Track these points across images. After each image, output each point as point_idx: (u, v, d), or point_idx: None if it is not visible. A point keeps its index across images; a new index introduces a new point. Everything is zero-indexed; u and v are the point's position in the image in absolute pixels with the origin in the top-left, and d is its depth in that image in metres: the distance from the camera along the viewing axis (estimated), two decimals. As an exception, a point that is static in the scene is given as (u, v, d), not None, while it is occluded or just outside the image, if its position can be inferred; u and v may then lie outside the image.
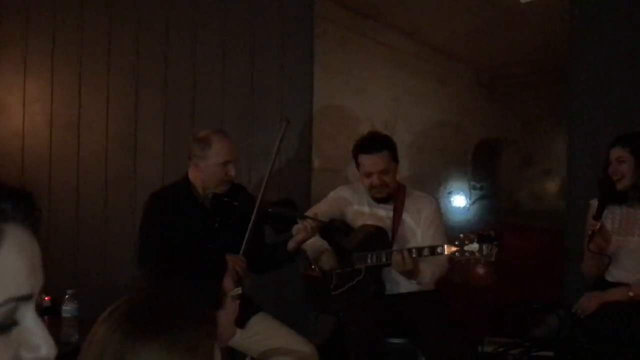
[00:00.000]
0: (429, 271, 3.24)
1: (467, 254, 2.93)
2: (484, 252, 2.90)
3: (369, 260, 3.24)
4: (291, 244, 3.16)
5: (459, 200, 4.05)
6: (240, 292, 2.18)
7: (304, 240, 3.17)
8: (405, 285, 3.34)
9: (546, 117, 3.98)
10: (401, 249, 3.14)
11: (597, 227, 3.09)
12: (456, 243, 2.97)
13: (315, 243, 3.38)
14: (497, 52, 4.00)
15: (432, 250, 3.08)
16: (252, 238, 3.04)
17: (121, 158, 4.29)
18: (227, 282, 2.10)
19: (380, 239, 3.28)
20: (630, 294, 3.09)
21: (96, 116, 4.32)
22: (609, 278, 3.20)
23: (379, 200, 3.37)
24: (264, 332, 3.12)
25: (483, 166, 4.05)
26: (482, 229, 2.99)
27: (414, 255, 3.09)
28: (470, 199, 4.05)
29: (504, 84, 4.00)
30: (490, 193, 4.03)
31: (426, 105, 4.05)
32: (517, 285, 3.91)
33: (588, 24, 3.94)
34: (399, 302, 3.30)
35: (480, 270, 3.96)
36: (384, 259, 3.20)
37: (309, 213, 3.33)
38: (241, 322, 3.02)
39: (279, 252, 3.21)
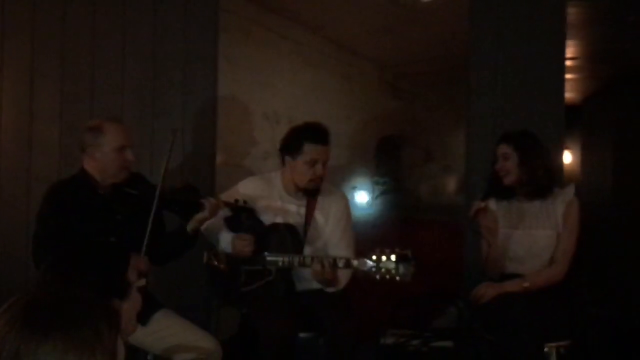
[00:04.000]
0: (344, 278, 3.27)
1: (383, 270, 2.93)
2: (400, 271, 2.91)
3: (280, 264, 3.20)
4: (191, 224, 3.11)
5: (363, 195, 4.11)
6: (144, 283, 2.14)
7: (204, 219, 3.11)
8: (315, 283, 3.32)
9: (446, 114, 4.09)
10: (320, 258, 3.11)
11: (482, 205, 3.22)
12: (373, 258, 2.96)
13: (221, 234, 3.34)
14: (400, 50, 4.08)
15: (347, 263, 3.06)
16: (155, 227, 2.97)
17: (16, 151, 4.10)
18: (131, 273, 2.09)
19: (292, 238, 3.27)
20: (525, 284, 3.20)
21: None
22: (504, 270, 3.31)
23: (310, 193, 3.34)
24: (166, 328, 3.06)
25: (386, 162, 4.12)
26: (397, 247, 2.96)
27: (327, 266, 3.08)
28: (373, 193, 4.11)
29: (406, 81, 4.09)
30: (393, 188, 4.10)
31: (331, 100, 4.09)
32: (419, 278, 3.99)
33: (487, 23, 4.06)
34: (306, 298, 3.31)
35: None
36: (296, 264, 3.17)
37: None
38: (143, 318, 2.95)
39: (178, 237, 3.15)
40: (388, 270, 2.92)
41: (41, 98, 4.11)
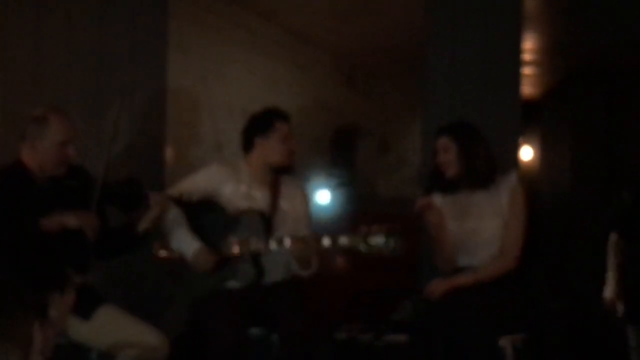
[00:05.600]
0: (314, 262, 3.23)
1: (373, 245, 2.85)
2: (391, 245, 2.83)
3: (252, 246, 3.12)
4: (142, 224, 3.01)
5: (318, 188, 4.06)
6: (80, 280, 2.10)
7: (156, 217, 3.03)
8: (273, 275, 3.26)
9: (403, 105, 4.05)
10: (303, 236, 3.06)
11: (426, 201, 3.17)
12: (361, 235, 2.88)
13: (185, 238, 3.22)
14: (356, 40, 4.05)
15: (334, 240, 2.97)
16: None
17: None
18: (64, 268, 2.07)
19: (262, 223, 3.20)
20: (476, 276, 3.17)
21: None
22: (460, 264, 3.25)
23: (283, 171, 3.33)
24: (109, 323, 2.96)
25: (341, 154, 4.09)
26: (386, 221, 2.90)
27: (312, 244, 3.01)
28: (329, 186, 4.06)
29: (362, 71, 4.05)
30: (348, 181, 4.07)
31: (285, 91, 4.04)
32: (374, 273, 3.95)
33: (443, 13, 4.00)
34: (261, 294, 3.23)
35: (338, 258, 3.97)
36: (274, 246, 3.08)
37: (172, 191, 3.22)
38: (85, 313, 2.88)
39: (127, 234, 3.05)
40: (377, 246, 2.84)
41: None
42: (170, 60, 3.98)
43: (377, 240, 2.84)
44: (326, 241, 2.98)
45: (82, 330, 2.87)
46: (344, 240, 2.94)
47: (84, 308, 2.87)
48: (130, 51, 3.96)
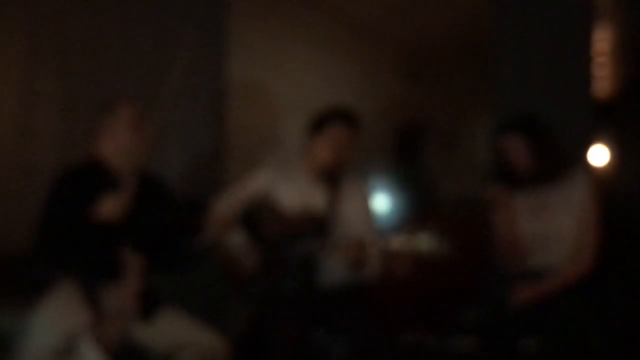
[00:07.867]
0: (375, 262, 3.11)
1: (418, 246, 2.79)
2: (437, 244, 2.78)
3: (300, 250, 3.07)
4: (201, 243, 3.02)
5: (380, 189, 3.96)
6: (141, 261, 2.09)
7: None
8: (333, 278, 3.17)
9: (469, 101, 3.97)
10: (347, 240, 3.03)
11: (496, 191, 3.16)
12: (405, 234, 2.83)
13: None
14: (420, 33, 3.98)
15: (383, 241, 2.94)
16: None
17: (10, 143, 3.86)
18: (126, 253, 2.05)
19: (317, 224, 3.13)
20: (558, 280, 3.10)
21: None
22: (531, 264, 3.18)
23: (329, 176, 3.23)
24: (170, 324, 2.94)
25: (404, 152, 4.00)
26: (433, 218, 2.84)
27: (357, 249, 2.98)
28: (391, 187, 3.96)
29: (426, 66, 3.99)
30: (412, 180, 3.98)
31: (346, 87, 3.98)
32: (438, 274, 3.84)
33: (510, 4, 3.88)
34: (320, 296, 3.15)
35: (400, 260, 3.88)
36: (320, 250, 3.04)
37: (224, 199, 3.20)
38: (146, 314, 2.87)
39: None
40: (424, 245, 2.79)
41: (41, 85, 3.90)
42: (232, 59, 3.92)
43: (423, 238, 2.77)
44: (372, 243, 2.95)
45: (140, 332, 2.87)
46: (389, 242, 2.88)
47: (145, 308, 2.87)
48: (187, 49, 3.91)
